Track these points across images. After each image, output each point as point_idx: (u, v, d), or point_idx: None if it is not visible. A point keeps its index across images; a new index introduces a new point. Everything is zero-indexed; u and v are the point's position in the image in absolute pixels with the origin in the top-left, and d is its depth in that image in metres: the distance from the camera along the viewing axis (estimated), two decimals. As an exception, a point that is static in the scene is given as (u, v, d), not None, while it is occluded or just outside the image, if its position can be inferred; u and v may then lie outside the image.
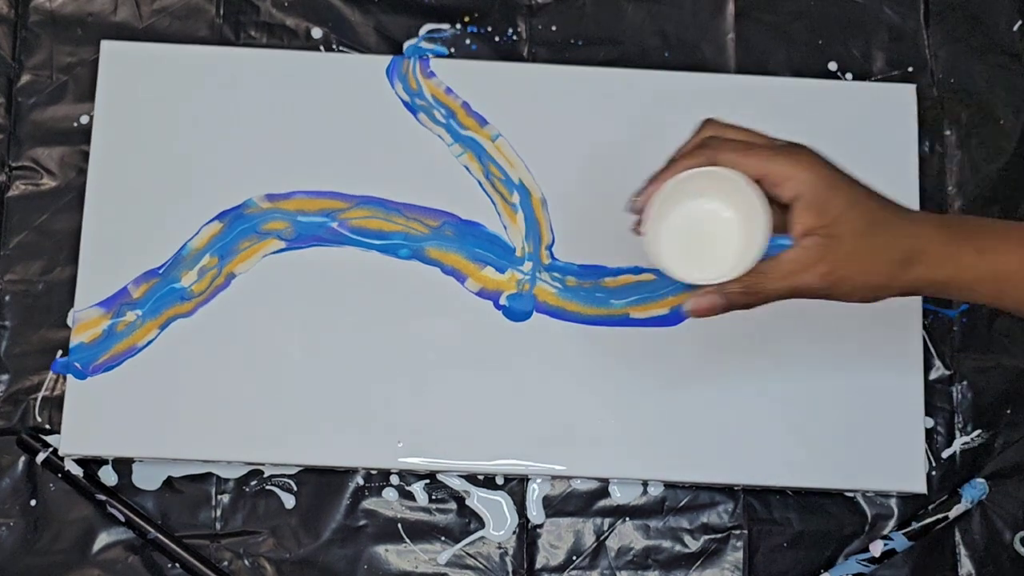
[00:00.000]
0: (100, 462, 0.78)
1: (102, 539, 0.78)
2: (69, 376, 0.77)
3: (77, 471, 0.77)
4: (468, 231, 0.80)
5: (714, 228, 0.51)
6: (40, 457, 0.77)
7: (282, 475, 0.79)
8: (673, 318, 0.79)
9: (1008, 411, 0.81)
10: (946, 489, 0.79)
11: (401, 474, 0.79)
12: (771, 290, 0.54)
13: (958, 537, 0.79)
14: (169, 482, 0.78)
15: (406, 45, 0.85)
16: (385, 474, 0.79)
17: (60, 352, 0.79)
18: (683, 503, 0.79)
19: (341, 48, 0.85)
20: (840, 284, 0.54)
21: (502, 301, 0.79)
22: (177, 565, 0.77)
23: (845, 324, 0.79)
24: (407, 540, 0.78)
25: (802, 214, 0.53)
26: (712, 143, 0.54)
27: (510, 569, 0.78)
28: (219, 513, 0.78)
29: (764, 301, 0.55)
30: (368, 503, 0.79)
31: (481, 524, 0.79)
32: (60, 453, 0.77)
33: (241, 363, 0.78)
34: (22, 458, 0.79)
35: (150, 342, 0.78)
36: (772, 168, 0.52)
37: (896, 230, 0.54)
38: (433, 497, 0.79)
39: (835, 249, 0.53)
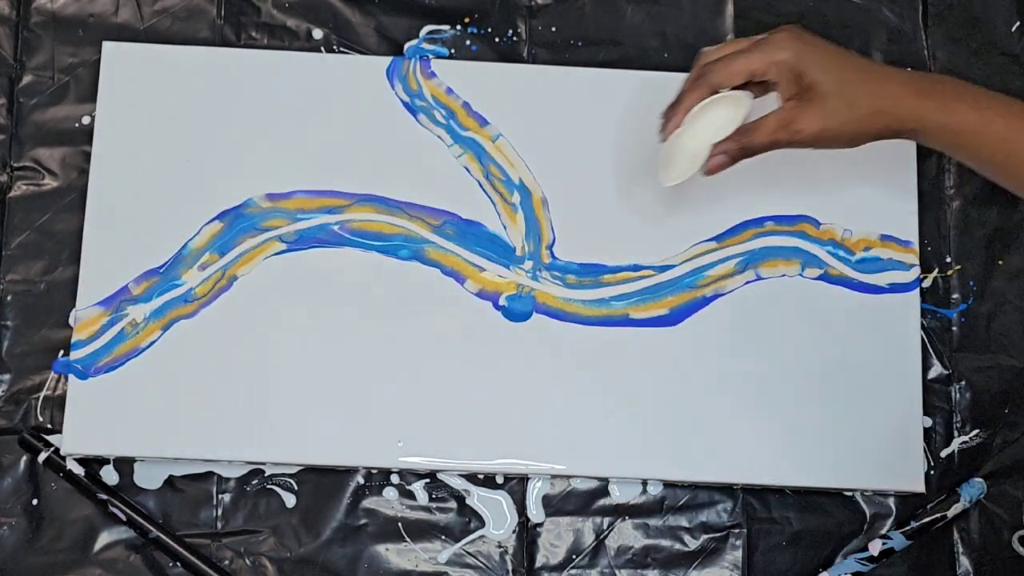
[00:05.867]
0: (101, 461, 0.79)
1: (103, 538, 0.78)
2: (71, 376, 0.78)
3: (79, 470, 0.77)
4: (469, 230, 0.81)
5: (717, 131, 0.64)
6: (42, 456, 0.78)
7: (283, 474, 0.79)
8: (673, 318, 0.80)
9: (1006, 411, 0.81)
10: (944, 488, 0.80)
11: (401, 473, 0.79)
12: (759, 143, 0.65)
13: (956, 536, 0.79)
14: (170, 481, 0.79)
15: (407, 46, 0.85)
16: (385, 473, 0.79)
17: (61, 352, 0.80)
18: (682, 502, 0.79)
19: (342, 49, 0.85)
20: (819, 137, 0.65)
21: (501, 302, 0.80)
22: (178, 564, 0.77)
23: (844, 324, 0.80)
24: (407, 539, 0.79)
25: (782, 87, 0.65)
26: (706, 72, 0.65)
27: (510, 568, 0.78)
28: (220, 512, 0.79)
29: (757, 151, 0.66)
30: (368, 502, 0.79)
31: (481, 523, 0.79)
32: (62, 452, 0.77)
33: (242, 363, 0.78)
34: (24, 457, 0.79)
35: (152, 343, 0.78)
36: (752, 68, 0.64)
37: (866, 87, 0.64)
38: (433, 496, 0.79)
39: (808, 109, 0.64)
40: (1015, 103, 0.66)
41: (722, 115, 0.62)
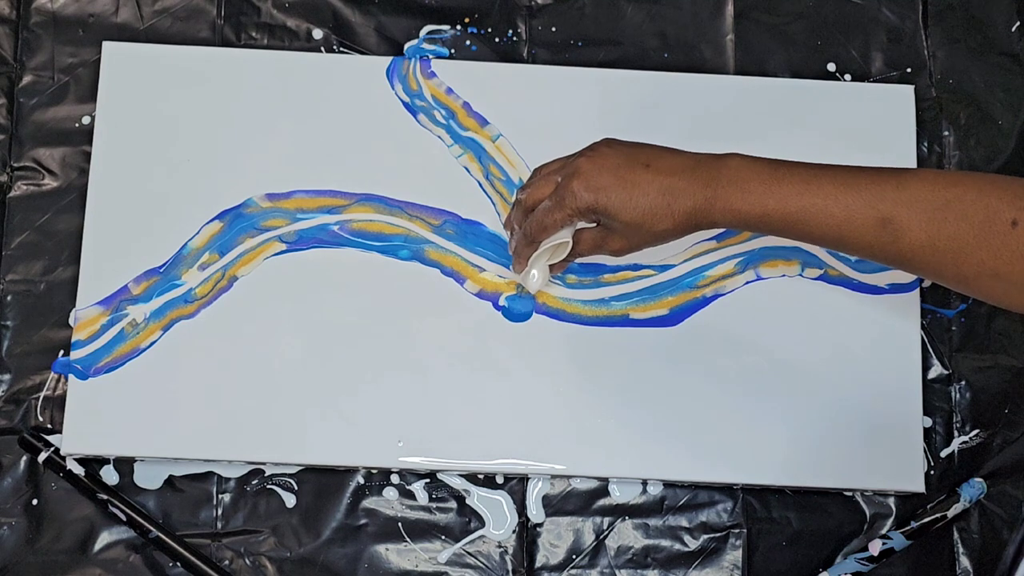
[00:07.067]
0: (101, 461, 0.79)
1: (103, 538, 0.78)
2: (71, 376, 0.78)
3: (79, 470, 0.77)
4: (469, 230, 0.81)
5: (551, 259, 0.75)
6: (42, 456, 0.78)
7: (283, 474, 0.79)
8: (673, 318, 0.80)
9: (1006, 410, 0.81)
10: (944, 488, 0.80)
11: (401, 473, 0.79)
12: (583, 255, 0.74)
13: (956, 536, 0.79)
14: (170, 481, 0.79)
15: (407, 46, 0.85)
16: (386, 473, 0.79)
17: (61, 352, 0.80)
18: (682, 502, 0.79)
19: (342, 49, 0.85)
20: (629, 250, 0.71)
21: (501, 302, 0.80)
22: (178, 564, 0.77)
23: (844, 324, 0.80)
24: (407, 539, 0.79)
25: (588, 221, 0.71)
26: (528, 232, 0.72)
27: (510, 568, 0.78)
28: (220, 512, 0.79)
29: (584, 257, 0.76)
30: (368, 502, 0.79)
31: (481, 523, 0.79)
32: (62, 452, 0.77)
33: (243, 363, 0.78)
34: (24, 457, 0.79)
35: (153, 343, 0.78)
36: (559, 223, 0.70)
37: (662, 204, 0.67)
38: (433, 496, 0.79)
39: (612, 234, 0.70)
40: (804, 170, 0.66)
41: (549, 255, 0.74)
